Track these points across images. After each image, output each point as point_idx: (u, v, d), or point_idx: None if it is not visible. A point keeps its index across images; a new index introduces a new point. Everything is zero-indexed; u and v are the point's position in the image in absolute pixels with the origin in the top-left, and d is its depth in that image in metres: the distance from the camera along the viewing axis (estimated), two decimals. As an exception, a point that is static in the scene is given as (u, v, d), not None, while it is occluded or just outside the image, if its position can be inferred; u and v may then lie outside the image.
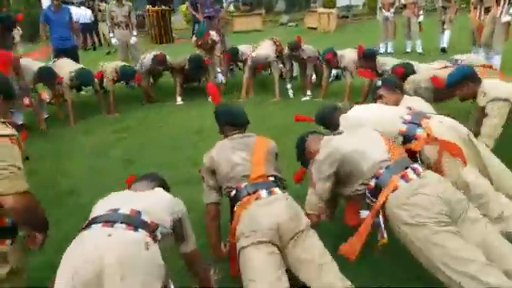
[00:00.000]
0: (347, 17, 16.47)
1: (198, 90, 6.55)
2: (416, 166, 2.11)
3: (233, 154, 2.30)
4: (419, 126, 2.48)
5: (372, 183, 2.09)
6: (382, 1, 9.19)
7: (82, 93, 6.38)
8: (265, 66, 6.24)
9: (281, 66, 6.33)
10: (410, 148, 2.42)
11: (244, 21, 15.89)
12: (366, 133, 2.32)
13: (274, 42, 6.46)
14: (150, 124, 5.37)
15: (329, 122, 2.77)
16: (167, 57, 6.11)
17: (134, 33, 7.39)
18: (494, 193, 2.28)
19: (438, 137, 2.39)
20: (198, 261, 2.10)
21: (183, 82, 6.40)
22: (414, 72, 4.18)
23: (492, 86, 3.05)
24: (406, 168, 2.07)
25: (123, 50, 7.49)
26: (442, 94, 3.64)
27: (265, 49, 6.22)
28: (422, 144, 2.43)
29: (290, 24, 17.28)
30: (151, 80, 6.71)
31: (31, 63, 5.28)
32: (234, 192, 2.21)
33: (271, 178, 2.23)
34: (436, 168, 2.36)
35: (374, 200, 2.08)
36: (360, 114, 2.65)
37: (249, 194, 2.13)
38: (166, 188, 2.17)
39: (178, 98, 6.24)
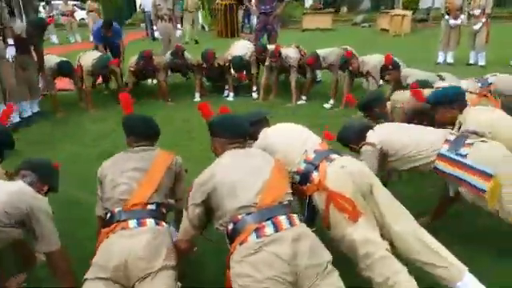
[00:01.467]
0: (427, 20, 15.22)
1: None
2: (283, 217, 1.78)
3: (121, 171, 2.12)
4: (316, 168, 2.14)
5: (230, 227, 1.83)
6: (449, 5, 8.23)
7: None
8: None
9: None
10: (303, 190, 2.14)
11: (313, 19, 15.53)
12: (253, 163, 2.00)
13: (299, 50, 6.15)
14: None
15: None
16: (185, 53, 6.08)
17: (179, 26, 7.50)
18: (385, 254, 1.89)
19: (329, 186, 2.04)
20: (57, 264, 1.98)
21: (215, 81, 6.44)
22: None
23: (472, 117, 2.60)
24: (268, 219, 1.76)
25: (166, 43, 7.66)
26: (419, 117, 3.16)
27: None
28: (313, 191, 2.12)
29: (363, 24, 16.50)
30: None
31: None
32: (108, 215, 2.04)
33: (151, 207, 2.03)
34: (323, 219, 2.06)
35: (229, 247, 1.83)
36: (273, 133, 2.37)
37: (118, 222, 1.95)
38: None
39: (197, 95, 6.23)
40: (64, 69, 5.53)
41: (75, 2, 17.44)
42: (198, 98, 6.21)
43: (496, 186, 2.11)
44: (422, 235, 2.01)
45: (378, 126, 2.65)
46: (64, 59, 5.72)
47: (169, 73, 6.37)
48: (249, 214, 1.79)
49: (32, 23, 5.19)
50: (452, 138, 2.40)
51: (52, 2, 15.87)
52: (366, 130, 2.59)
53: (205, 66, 5.97)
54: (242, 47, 6.28)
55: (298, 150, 2.24)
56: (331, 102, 5.74)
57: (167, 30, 7.60)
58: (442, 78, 4.51)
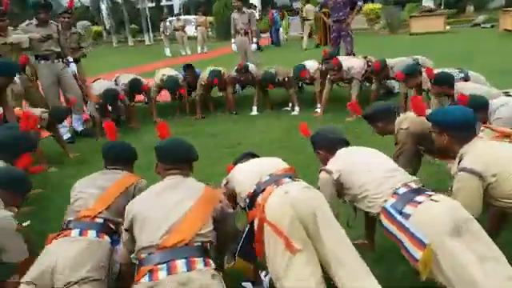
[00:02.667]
0: None
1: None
2: (181, 261, 1.71)
3: (86, 187, 2.33)
4: (263, 191, 2.02)
5: (137, 263, 1.82)
6: None
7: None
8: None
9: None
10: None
11: (422, 22, 14.33)
12: (175, 197, 1.93)
13: (366, 61, 5.76)
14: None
15: None
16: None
17: (254, 40, 7.66)
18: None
19: (266, 212, 1.90)
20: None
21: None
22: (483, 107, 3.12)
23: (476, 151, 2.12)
24: (165, 263, 1.70)
25: (242, 55, 7.86)
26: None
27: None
28: (253, 216, 1.98)
29: (483, 25, 14.61)
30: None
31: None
32: (63, 225, 2.22)
33: (98, 220, 2.15)
34: (257, 250, 1.95)
35: None
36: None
37: (64, 230, 2.14)
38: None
39: (254, 108, 6.26)
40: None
41: (186, 17, 18.96)
42: (255, 111, 6.23)
43: (428, 256, 1.72)
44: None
45: (344, 149, 2.35)
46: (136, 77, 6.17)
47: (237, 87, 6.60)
48: (150, 253, 1.76)
49: None
50: (402, 190, 1.98)
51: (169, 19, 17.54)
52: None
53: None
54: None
55: (256, 174, 2.15)
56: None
57: (243, 44, 7.79)
58: (509, 96, 3.78)
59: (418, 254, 1.75)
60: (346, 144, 2.44)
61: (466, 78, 4.48)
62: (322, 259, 1.86)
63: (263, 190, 2.03)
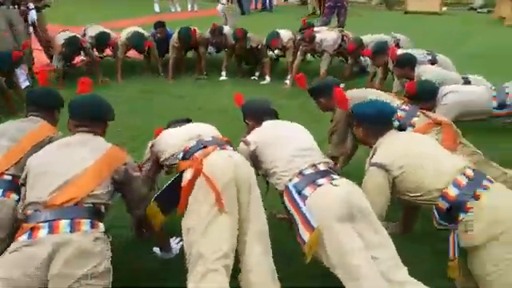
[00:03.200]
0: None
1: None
2: (65, 221, 1.66)
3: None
4: (203, 148, 2.04)
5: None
6: None
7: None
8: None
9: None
10: None
11: (419, 1, 13.97)
12: (76, 154, 1.88)
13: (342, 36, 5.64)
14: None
15: None
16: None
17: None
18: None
19: (205, 164, 1.89)
20: None
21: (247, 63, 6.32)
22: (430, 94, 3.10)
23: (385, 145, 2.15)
24: (48, 221, 1.66)
25: (223, 18, 7.60)
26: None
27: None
28: (185, 166, 1.97)
29: (479, 10, 14.33)
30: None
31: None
32: None
33: (6, 177, 2.00)
34: (181, 200, 1.94)
35: None
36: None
37: None
38: None
39: (223, 73, 6.12)
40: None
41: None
42: (224, 76, 6.10)
43: (314, 239, 1.74)
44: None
45: (269, 122, 2.32)
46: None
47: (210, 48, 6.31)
48: (36, 210, 1.71)
49: None
50: (308, 171, 1.97)
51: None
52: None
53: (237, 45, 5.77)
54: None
55: (194, 133, 2.16)
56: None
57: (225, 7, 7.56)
58: (467, 82, 3.74)
59: (307, 236, 1.76)
60: (275, 116, 2.41)
61: (433, 61, 4.41)
62: (240, 227, 1.85)
63: (204, 146, 2.02)
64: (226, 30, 6.00)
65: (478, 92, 3.19)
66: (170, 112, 4.38)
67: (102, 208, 1.80)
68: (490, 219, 1.76)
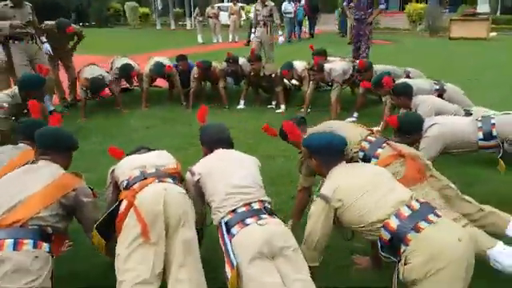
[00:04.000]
0: None
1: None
2: (9, 241, 1.81)
3: None
4: (144, 179, 2.15)
5: None
6: None
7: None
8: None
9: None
10: None
11: (463, 27, 13.59)
12: (32, 177, 2.08)
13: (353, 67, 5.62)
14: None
15: None
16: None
17: (280, 32, 7.34)
18: None
19: (138, 196, 2.02)
20: None
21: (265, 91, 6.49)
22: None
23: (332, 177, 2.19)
24: (5, 239, 1.83)
25: (258, 47, 7.67)
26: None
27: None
28: (124, 196, 2.09)
29: (530, 34, 13.60)
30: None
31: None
32: None
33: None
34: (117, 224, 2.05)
35: None
36: None
37: None
38: None
39: (241, 102, 6.30)
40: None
41: (220, 5, 19.02)
42: (242, 105, 6.28)
43: (233, 277, 1.80)
44: None
45: (220, 151, 2.37)
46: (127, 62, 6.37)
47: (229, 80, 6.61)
48: None
49: None
50: (241, 209, 2.02)
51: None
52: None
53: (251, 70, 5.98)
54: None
55: (141, 164, 2.26)
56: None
57: (261, 35, 7.71)
58: (468, 113, 3.64)
59: (229, 273, 1.84)
60: (229, 145, 2.45)
61: (441, 92, 4.31)
62: (166, 258, 1.93)
63: (145, 178, 2.13)
64: (242, 60, 6.20)
65: (462, 123, 3.09)
66: (184, 139, 4.69)
67: (49, 229, 1.95)
68: (429, 254, 1.72)
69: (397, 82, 4.23)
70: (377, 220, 1.87)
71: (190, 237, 1.98)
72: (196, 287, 1.90)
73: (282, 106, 6.07)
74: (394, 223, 1.84)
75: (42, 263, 1.84)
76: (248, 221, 1.95)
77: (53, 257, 1.93)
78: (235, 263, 1.82)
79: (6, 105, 4.35)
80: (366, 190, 1.96)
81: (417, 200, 1.93)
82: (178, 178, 2.29)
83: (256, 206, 2.05)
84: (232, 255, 1.86)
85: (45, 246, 1.90)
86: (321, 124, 2.91)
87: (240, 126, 5.23)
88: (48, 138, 2.26)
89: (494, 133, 2.97)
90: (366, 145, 2.64)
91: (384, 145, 2.59)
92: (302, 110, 5.82)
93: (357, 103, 5.61)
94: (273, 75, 5.96)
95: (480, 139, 3.01)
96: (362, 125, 2.97)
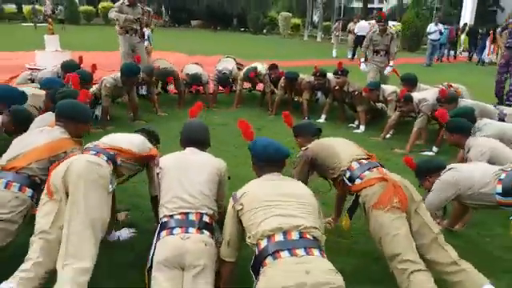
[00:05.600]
0: None
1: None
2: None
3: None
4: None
5: None
6: None
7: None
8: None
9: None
10: None
11: None
12: (42, 138, 2.53)
13: None
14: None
15: None
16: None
17: (391, 63, 6.89)
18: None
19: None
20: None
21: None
22: None
23: None
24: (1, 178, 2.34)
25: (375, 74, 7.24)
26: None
27: None
28: None
29: None
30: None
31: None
32: None
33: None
34: None
35: None
36: None
37: None
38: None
39: (323, 116, 6.27)
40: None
41: (361, 22, 18.49)
42: (323, 119, 6.24)
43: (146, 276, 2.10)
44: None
45: (185, 150, 2.53)
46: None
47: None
48: None
49: None
50: (176, 217, 2.21)
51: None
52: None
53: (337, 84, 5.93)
54: None
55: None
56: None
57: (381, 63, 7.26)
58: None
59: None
60: (200, 145, 2.56)
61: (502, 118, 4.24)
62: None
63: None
64: (330, 75, 6.14)
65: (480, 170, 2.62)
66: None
67: (37, 179, 2.38)
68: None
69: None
70: (256, 234, 1.91)
71: (77, 199, 2.07)
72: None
73: (362, 127, 5.84)
74: (263, 244, 1.86)
75: (19, 203, 2.27)
76: (174, 231, 2.10)
77: (34, 201, 2.35)
78: (149, 264, 2.07)
79: (108, 85, 5.28)
80: (267, 204, 1.97)
81: (301, 233, 1.87)
82: (117, 156, 2.42)
83: (192, 217, 2.17)
84: (151, 255, 2.08)
85: (28, 191, 2.33)
86: (325, 139, 2.88)
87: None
88: (65, 109, 2.68)
89: None
90: (355, 165, 2.53)
91: (374, 169, 2.47)
92: (382, 135, 5.48)
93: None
94: (355, 92, 5.78)
95: (498, 193, 2.51)
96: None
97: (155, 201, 2.45)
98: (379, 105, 6.12)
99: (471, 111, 3.93)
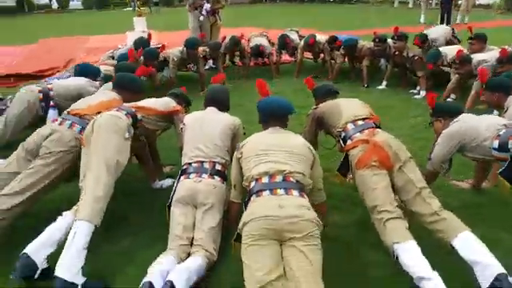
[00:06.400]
0: None
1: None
2: None
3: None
4: None
5: None
6: None
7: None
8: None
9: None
10: None
11: None
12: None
13: None
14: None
15: None
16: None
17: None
18: None
19: None
20: None
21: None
22: None
23: None
24: None
25: None
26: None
27: None
28: None
29: None
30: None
31: None
32: None
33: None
34: None
35: None
36: None
37: None
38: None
39: (384, 83, 6.17)
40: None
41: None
42: (383, 86, 6.21)
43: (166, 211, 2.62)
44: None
45: (206, 110, 2.89)
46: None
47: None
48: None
49: None
50: (194, 164, 2.63)
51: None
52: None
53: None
54: None
55: None
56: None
57: None
58: None
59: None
60: (218, 105, 2.91)
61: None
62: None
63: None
64: (389, 40, 6.00)
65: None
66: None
67: None
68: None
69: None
70: (248, 177, 2.23)
71: (96, 142, 2.55)
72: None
73: (422, 92, 5.68)
74: (252, 185, 2.19)
75: (77, 143, 2.77)
76: (191, 176, 2.54)
77: None
78: (169, 201, 2.53)
79: (176, 58, 5.89)
80: (260, 153, 2.26)
81: (285, 176, 2.14)
82: (137, 112, 2.87)
83: (206, 164, 2.58)
84: (172, 194, 2.54)
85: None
86: (336, 99, 3.03)
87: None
88: (118, 80, 3.31)
89: (510, 144, 2.41)
90: (349, 126, 2.69)
91: (365, 131, 2.61)
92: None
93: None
94: (415, 57, 5.60)
95: (494, 148, 2.48)
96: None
97: (181, 151, 2.88)
98: (446, 69, 5.84)
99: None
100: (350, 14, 19.16)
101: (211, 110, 2.89)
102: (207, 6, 7.24)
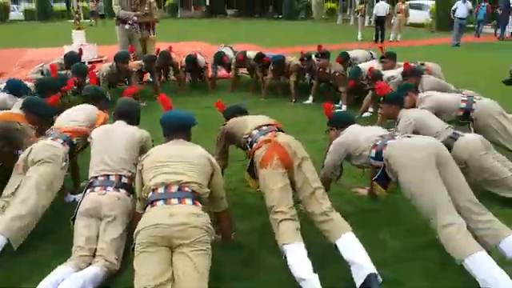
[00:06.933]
0: None
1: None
2: None
3: None
4: None
5: None
6: None
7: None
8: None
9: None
10: None
11: None
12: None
13: None
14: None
15: None
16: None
17: None
18: None
19: None
20: None
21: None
22: None
23: None
24: None
25: None
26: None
27: None
28: None
29: None
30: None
31: None
32: None
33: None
34: None
35: None
36: None
37: None
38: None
39: (310, 97, 6.52)
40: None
41: (381, 3, 18.02)
42: (310, 100, 6.51)
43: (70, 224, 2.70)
44: None
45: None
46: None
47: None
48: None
49: None
50: (101, 178, 2.73)
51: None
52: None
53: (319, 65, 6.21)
54: None
55: None
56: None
57: None
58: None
59: None
60: (127, 118, 3.02)
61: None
62: None
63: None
64: (313, 57, 6.38)
65: None
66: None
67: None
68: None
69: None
70: (145, 188, 2.33)
71: (32, 171, 2.75)
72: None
73: (344, 107, 6.04)
74: (149, 196, 2.27)
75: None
76: (95, 189, 2.62)
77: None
78: (73, 215, 2.60)
79: (105, 73, 5.94)
80: (157, 165, 2.36)
81: (180, 186, 2.25)
82: (71, 137, 3.03)
83: (112, 178, 2.67)
84: (77, 208, 2.61)
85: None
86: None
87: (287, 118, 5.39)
88: (26, 102, 3.38)
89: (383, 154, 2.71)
90: (254, 132, 2.88)
91: (269, 133, 2.81)
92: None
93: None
94: (336, 74, 6.00)
95: (371, 157, 2.78)
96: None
97: None
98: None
99: (411, 86, 4.14)
100: (288, 31, 19.87)
101: (119, 123, 2.98)
102: (134, 18, 7.28)
